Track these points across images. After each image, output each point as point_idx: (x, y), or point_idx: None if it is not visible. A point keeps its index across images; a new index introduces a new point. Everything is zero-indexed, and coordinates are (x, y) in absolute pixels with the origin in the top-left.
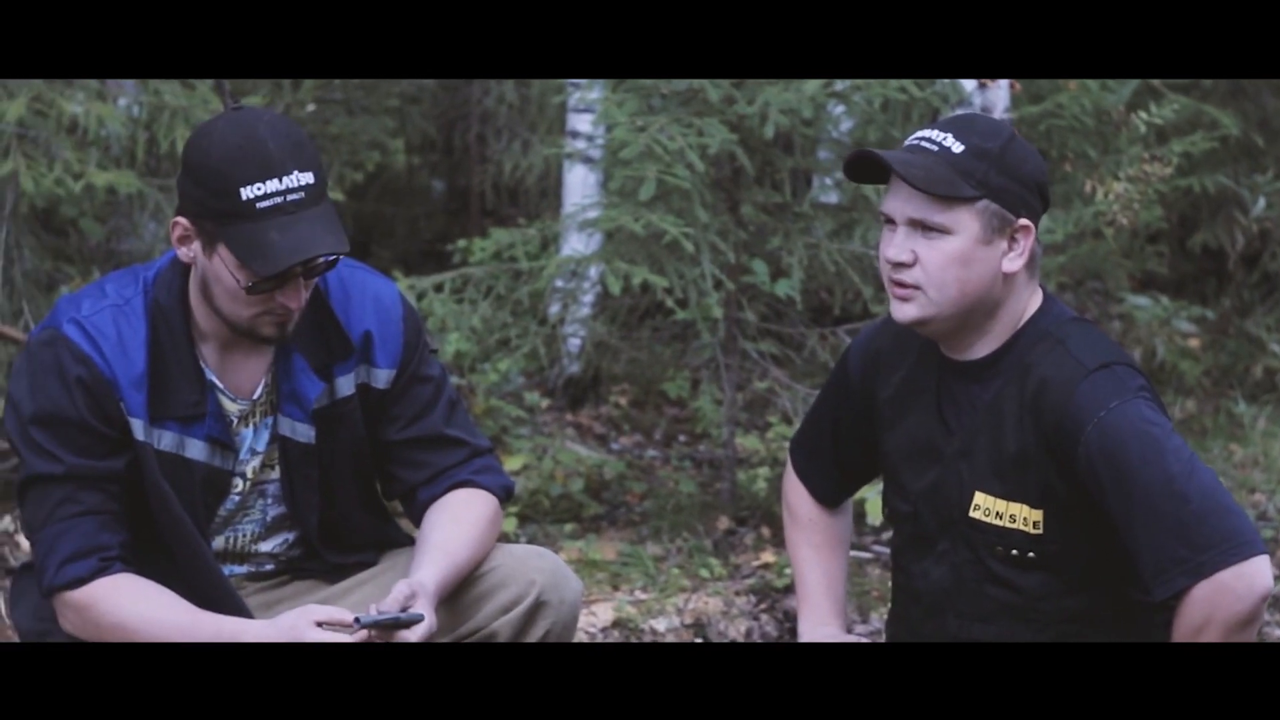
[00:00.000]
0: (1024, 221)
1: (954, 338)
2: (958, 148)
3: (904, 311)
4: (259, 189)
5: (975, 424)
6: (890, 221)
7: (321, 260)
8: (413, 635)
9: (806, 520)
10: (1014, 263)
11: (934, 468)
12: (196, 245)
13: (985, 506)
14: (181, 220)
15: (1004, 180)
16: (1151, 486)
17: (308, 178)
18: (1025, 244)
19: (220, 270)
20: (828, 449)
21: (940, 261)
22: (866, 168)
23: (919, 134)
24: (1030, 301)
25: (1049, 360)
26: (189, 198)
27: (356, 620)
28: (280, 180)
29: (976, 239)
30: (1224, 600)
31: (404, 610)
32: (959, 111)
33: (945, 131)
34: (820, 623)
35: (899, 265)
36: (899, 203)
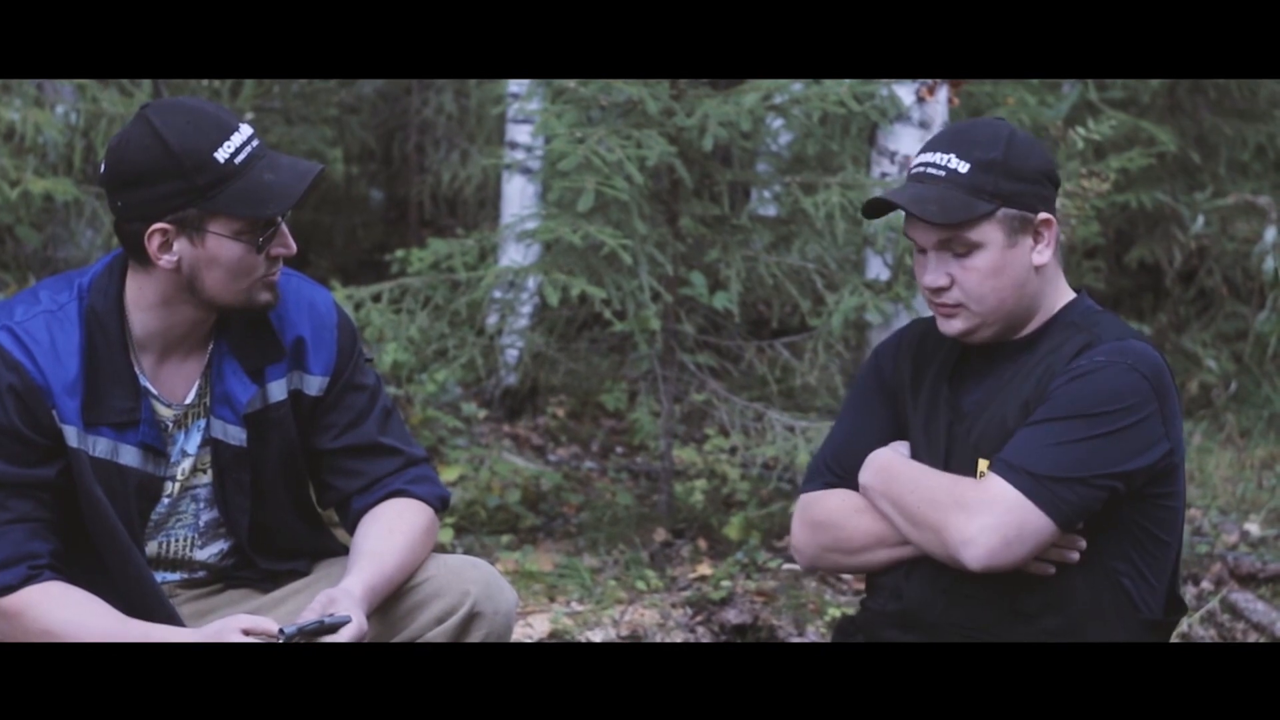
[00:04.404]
0: (1044, 215)
1: (1000, 338)
2: (963, 167)
3: (951, 327)
4: (229, 147)
5: (986, 400)
6: (920, 248)
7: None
8: (343, 637)
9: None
10: (1043, 255)
11: (943, 442)
12: (181, 243)
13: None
14: (158, 226)
15: (1015, 184)
16: (1054, 412)
17: (249, 127)
18: (1049, 235)
19: (217, 249)
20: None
21: (976, 279)
22: (883, 206)
23: (921, 159)
24: (1063, 292)
25: (1073, 341)
26: (157, 199)
27: (281, 632)
28: (239, 132)
29: (1003, 246)
30: (949, 539)
31: (327, 616)
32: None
33: (947, 152)
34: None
35: (938, 290)
36: (922, 232)
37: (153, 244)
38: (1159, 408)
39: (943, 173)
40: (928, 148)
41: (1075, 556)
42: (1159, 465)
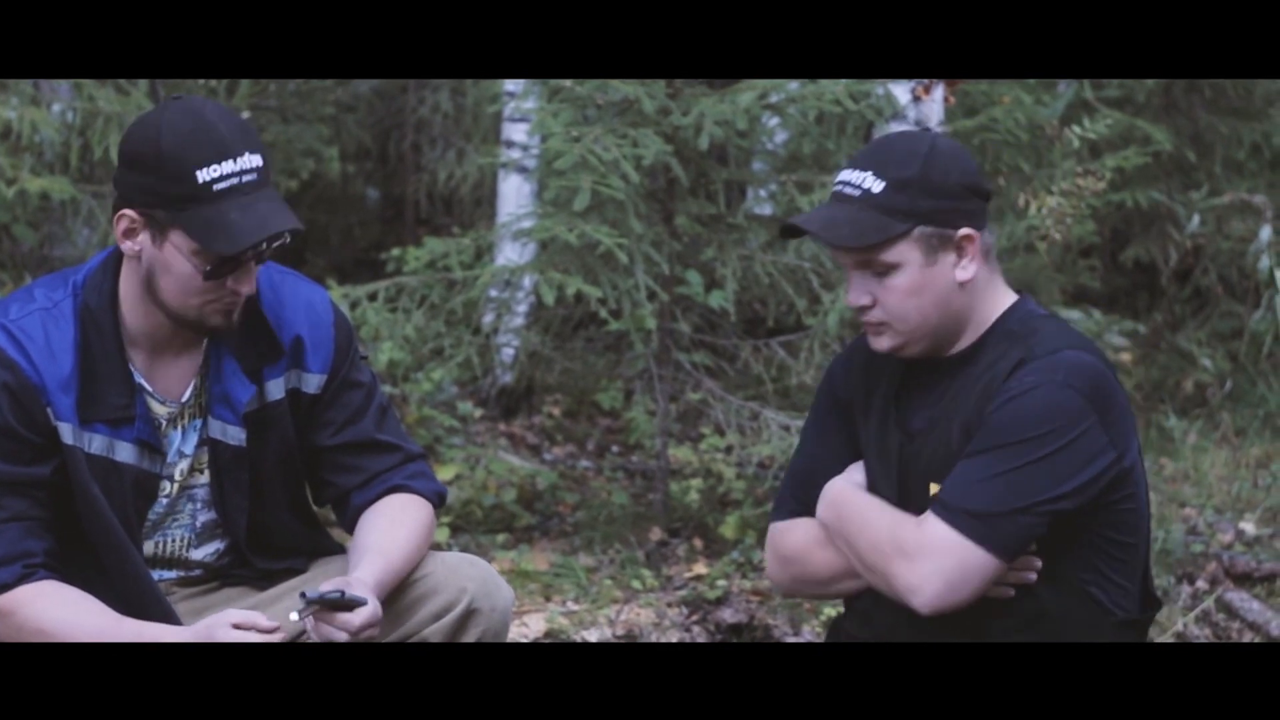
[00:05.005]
0: (965, 231)
1: (932, 352)
2: (877, 186)
3: (879, 344)
4: (215, 170)
5: (933, 419)
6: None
7: (277, 243)
8: (356, 619)
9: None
10: (966, 271)
11: (896, 466)
12: (144, 237)
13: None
14: (128, 212)
15: (931, 202)
16: (988, 442)
17: (257, 160)
18: (972, 250)
19: (172, 259)
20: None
21: (895, 298)
22: (797, 229)
23: (841, 177)
24: (1000, 300)
25: (1009, 356)
26: (136, 188)
27: (303, 595)
28: (235, 161)
29: (921, 265)
30: (896, 587)
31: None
32: (888, 129)
33: (864, 170)
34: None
35: (862, 309)
36: (840, 253)
37: (119, 225)
38: (1099, 419)
39: (858, 192)
40: (849, 164)
41: (1032, 577)
42: (1105, 476)
